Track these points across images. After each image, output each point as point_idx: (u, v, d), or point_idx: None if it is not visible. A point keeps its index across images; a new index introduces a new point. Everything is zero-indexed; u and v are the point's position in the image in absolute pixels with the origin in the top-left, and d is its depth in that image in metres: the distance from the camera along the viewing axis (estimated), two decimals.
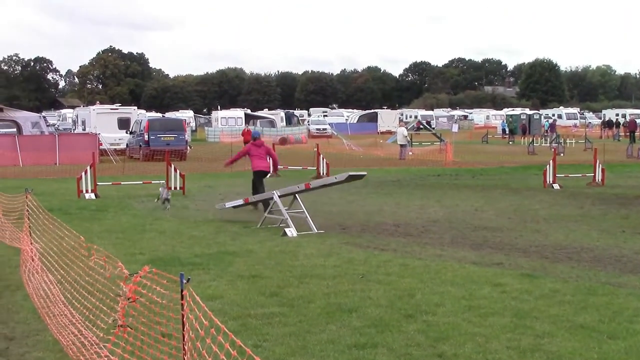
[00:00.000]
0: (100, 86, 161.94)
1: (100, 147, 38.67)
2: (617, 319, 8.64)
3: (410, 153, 43.87)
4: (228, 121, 72.59)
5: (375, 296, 9.77)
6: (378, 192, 24.03)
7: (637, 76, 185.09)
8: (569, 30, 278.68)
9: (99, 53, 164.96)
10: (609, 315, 8.77)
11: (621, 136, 62.38)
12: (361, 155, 44.21)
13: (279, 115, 76.61)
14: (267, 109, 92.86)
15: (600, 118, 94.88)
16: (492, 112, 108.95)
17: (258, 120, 71.71)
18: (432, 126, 74.79)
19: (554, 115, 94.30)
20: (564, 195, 23.13)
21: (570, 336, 7.99)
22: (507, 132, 70.55)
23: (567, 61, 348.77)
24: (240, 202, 18.00)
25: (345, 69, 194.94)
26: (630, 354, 7.37)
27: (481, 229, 16.20)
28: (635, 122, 62.60)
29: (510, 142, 63.63)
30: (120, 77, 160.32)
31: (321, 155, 30.65)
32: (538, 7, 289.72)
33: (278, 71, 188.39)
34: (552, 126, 66.95)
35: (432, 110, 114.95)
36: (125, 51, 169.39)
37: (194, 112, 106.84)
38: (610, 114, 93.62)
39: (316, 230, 15.34)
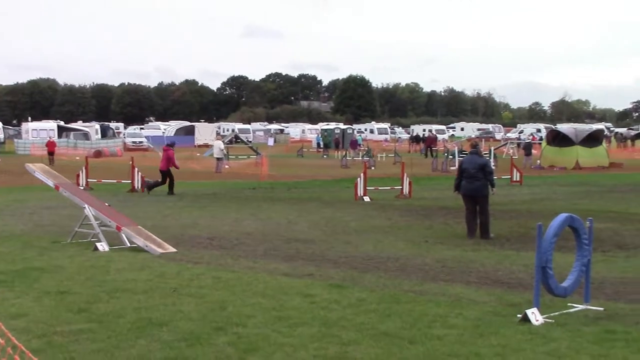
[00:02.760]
0: None
1: None
2: (418, 324, 9.09)
3: (227, 166, 43.96)
4: (39, 133, 69.98)
5: (187, 310, 9.76)
6: (194, 206, 23.95)
7: (442, 94, 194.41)
8: (381, 49, 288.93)
9: None
10: (410, 322, 9.21)
11: (436, 150, 65.32)
12: (177, 169, 43.71)
13: (93, 127, 74.66)
14: (81, 121, 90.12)
15: (409, 133, 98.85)
16: (308, 126, 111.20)
17: (72, 133, 69.52)
18: (249, 140, 75.14)
19: (365, 130, 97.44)
20: (374, 207, 23.98)
21: (374, 343, 8.32)
22: (322, 145, 72.14)
23: (379, 78, 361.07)
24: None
25: (162, 81, 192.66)
26: (427, 357, 7.78)
27: (294, 241, 16.52)
28: (433, 137, 66.06)
29: (325, 156, 65.05)
30: None
31: (136, 169, 30.14)
32: (353, 25, 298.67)
33: (93, 83, 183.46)
34: (354, 142, 67.33)
35: (249, 123, 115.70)
36: None
37: (3, 124, 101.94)
38: (418, 129, 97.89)
39: (129, 245, 15.09)
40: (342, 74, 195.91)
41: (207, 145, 70.36)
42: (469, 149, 18.56)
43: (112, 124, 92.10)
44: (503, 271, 13.01)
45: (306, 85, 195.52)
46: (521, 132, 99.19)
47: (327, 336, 8.56)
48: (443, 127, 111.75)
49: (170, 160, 28.99)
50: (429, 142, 63.85)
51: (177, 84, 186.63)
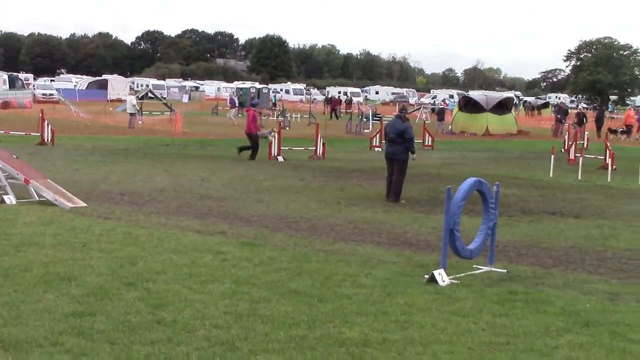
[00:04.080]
0: None
1: None
2: (328, 283, 9.23)
3: (140, 122, 43.28)
4: None
5: (97, 264, 9.66)
6: (105, 161, 23.56)
7: (359, 57, 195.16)
8: (299, 8, 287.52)
9: None
10: (320, 281, 9.34)
11: (342, 112, 65.64)
12: (89, 123, 42.95)
13: (1, 77, 72.22)
14: None
15: (324, 95, 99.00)
16: (223, 84, 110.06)
17: None
18: (163, 96, 74.04)
19: (281, 90, 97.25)
20: (288, 167, 24.07)
21: (284, 301, 8.42)
22: (237, 104, 71.59)
23: (296, 38, 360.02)
24: None
25: (75, 33, 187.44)
26: (335, 315, 7.92)
27: (207, 198, 16.48)
28: (337, 100, 66.95)
29: (240, 115, 64.59)
30: None
31: (46, 121, 29.40)
32: None
33: (1, 31, 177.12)
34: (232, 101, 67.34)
35: (164, 80, 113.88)
36: None
37: None
38: (333, 91, 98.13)
39: (37, 198, 14.77)
40: (260, 33, 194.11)
41: (120, 100, 68.95)
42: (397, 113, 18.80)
43: (21, 75, 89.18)
44: (412, 233, 13.29)
45: (223, 43, 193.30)
46: (434, 97, 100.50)
47: (238, 293, 8.62)
48: (358, 89, 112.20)
49: (254, 121, 26.96)
50: (334, 104, 64.63)
51: (91, 36, 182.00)
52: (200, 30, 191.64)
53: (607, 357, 6.99)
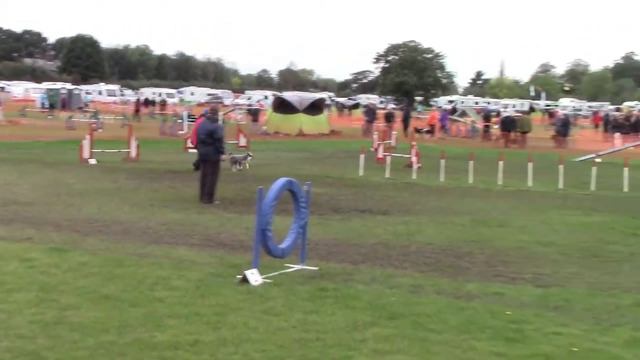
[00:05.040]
0: None
1: None
2: (140, 287, 9.14)
3: None
4: None
5: None
6: None
7: (173, 57, 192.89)
8: (111, 8, 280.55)
9: None
10: (132, 285, 9.24)
11: (156, 114, 64.77)
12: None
13: None
14: None
15: (138, 96, 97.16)
16: (32, 85, 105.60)
17: None
18: None
19: (94, 91, 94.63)
20: (100, 170, 23.52)
21: (95, 306, 8.27)
22: (47, 106, 68.97)
23: (109, 39, 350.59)
24: None
25: None
26: (147, 319, 7.86)
27: (12, 203, 15.85)
28: (138, 101, 66.51)
29: (50, 117, 62.33)
30: None
31: None
32: None
33: None
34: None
35: None
36: None
37: None
38: (148, 92, 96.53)
39: None
40: (70, 33, 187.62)
41: None
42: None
43: None
44: (226, 233, 13.38)
45: (30, 42, 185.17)
46: (249, 98, 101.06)
47: (45, 301, 8.38)
48: (173, 90, 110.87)
49: None
50: (137, 105, 63.82)
51: None
52: (5, 29, 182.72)
53: (409, 347, 7.36)
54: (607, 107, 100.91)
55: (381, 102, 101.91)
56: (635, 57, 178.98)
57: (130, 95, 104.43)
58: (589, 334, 8.02)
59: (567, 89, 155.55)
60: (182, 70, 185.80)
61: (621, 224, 16.01)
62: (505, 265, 11.57)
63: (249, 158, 25.37)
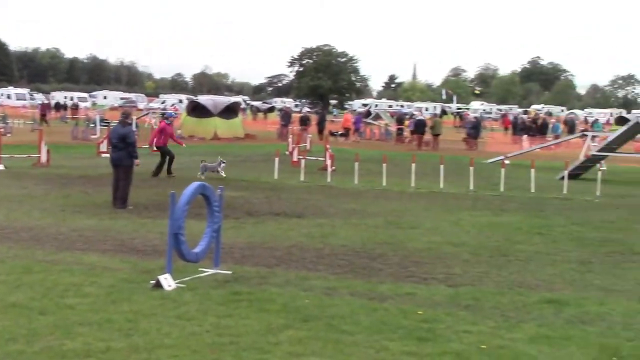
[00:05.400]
0: None
1: None
2: (50, 294, 8.98)
3: None
4: None
5: None
6: None
7: (85, 61, 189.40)
8: (19, 11, 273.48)
9: None
10: (42, 292, 9.07)
11: (68, 118, 63.47)
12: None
13: None
14: None
15: (49, 100, 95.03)
16: None
17: None
18: None
19: (2, 95, 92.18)
20: (8, 175, 22.95)
21: (1, 315, 8.09)
22: None
23: (17, 41, 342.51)
24: None
25: None
26: (57, 327, 7.74)
27: None
28: (46, 105, 65.29)
29: None
30: None
31: None
32: None
33: None
34: None
35: None
36: None
37: None
38: (59, 96, 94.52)
39: None
40: None
41: None
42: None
43: None
44: (139, 239, 13.24)
45: None
46: (164, 102, 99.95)
47: None
48: (85, 94, 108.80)
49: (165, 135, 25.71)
50: (42, 109, 62.39)
51: None
52: None
53: (322, 349, 7.44)
54: (515, 110, 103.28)
55: (296, 106, 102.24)
56: (542, 62, 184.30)
57: (40, 99, 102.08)
58: (497, 331, 8.25)
59: (477, 92, 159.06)
60: (94, 74, 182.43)
61: (527, 224, 16.51)
62: (417, 266, 11.79)
63: (223, 165, 24.89)
